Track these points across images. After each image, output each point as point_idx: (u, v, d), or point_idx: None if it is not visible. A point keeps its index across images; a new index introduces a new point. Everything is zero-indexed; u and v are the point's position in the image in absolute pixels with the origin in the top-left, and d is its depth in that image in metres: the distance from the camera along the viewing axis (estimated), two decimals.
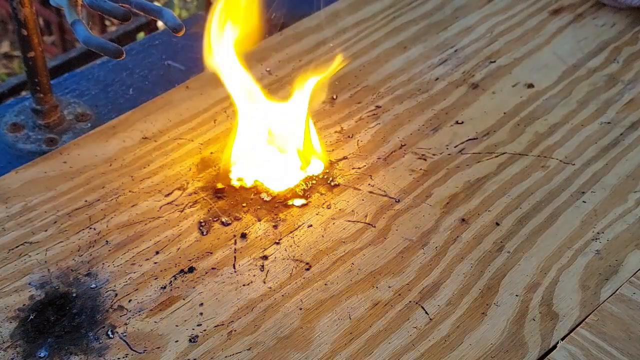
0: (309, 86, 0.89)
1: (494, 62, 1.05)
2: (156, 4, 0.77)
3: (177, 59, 1.07)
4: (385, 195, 0.88)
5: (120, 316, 0.76)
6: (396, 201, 0.87)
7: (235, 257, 0.81)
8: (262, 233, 0.84)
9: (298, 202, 0.87)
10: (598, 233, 0.85)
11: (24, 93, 1.29)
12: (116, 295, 0.78)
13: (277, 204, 0.87)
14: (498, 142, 0.94)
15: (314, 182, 0.89)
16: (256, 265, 0.81)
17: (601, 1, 1.13)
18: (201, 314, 0.76)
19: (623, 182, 0.90)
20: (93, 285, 0.78)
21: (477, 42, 1.08)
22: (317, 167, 0.90)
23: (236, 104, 0.89)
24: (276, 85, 1.01)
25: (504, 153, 0.93)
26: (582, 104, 1.00)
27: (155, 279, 0.79)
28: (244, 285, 0.79)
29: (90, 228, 0.83)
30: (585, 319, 0.76)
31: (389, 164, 0.92)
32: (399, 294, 0.79)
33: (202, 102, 0.98)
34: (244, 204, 0.86)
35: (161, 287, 0.78)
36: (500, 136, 0.95)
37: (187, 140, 0.93)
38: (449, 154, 0.93)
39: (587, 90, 1.01)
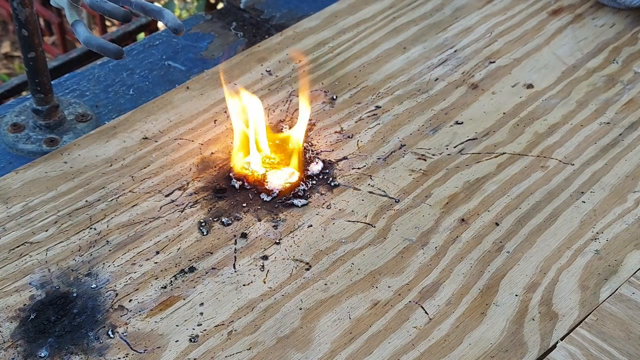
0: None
1: (494, 62, 1.05)
2: (156, 4, 0.77)
3: (178, 59, 1.07)
4: (385, 196, 0.88)
5: (121, 316, 0.76)
6: (396, 201, 0.88)
7: (235, 257, 0.82)
8: (262, 233, 0.84)
9: (298, 202, 0.87)
10: (597, 233, 0.85)
11: (24, 93, 1.29)
12: (116, 295, 0.78)
13: (277, 204, 0.87)
14: (497, 143, 0.94)
15: (314, 182, 0.89)
16: (256, 265, 0.81)
17: (600, 1, 1.14)
18: (201, 313, 0.77)
19: (622, 182, 0.90)
20: (93, 285, 0.78)
21: (476, 42, 1.08)
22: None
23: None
24: (276, 85, 1.01)
25: (504, 153, 0.93)
26: (581, 104, 1.00)
27: (156, 278, 0.79)
28: (244, 285, 0.79)
29: (91, 228, 0.83)
30: (584, 318, 0.76)
31: (388, 164, 0.92)
32: (399, 294, 0.79)
33: (203, 102, 0.98)
34: (244, 204, 0.87)
35: (161, 287, 0.79)
36: (499, 136, 0.95)
37: (187, 141, 0.93)
38: (448, 154, 0.93)
39: (586, 91, 1.02)
